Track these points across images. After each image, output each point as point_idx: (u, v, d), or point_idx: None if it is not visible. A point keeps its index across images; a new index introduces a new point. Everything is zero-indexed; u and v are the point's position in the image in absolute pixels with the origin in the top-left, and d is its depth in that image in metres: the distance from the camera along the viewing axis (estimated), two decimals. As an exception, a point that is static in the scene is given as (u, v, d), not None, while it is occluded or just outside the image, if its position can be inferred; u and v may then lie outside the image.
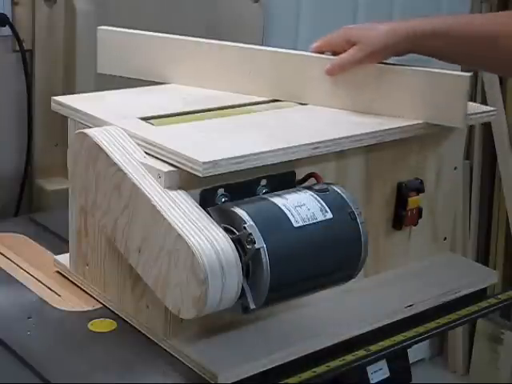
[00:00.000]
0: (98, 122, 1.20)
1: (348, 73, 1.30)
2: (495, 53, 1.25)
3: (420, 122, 1.28)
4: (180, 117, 1.27)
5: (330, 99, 1.33)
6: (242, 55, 1.39)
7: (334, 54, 1.32)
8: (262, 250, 1.02)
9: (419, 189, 1.35)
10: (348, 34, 1.31)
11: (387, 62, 1.30)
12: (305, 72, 1.34)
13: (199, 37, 1.43)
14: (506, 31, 1.23)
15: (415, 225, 1.37)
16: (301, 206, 1.09)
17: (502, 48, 1.23)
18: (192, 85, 1.42)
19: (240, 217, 1.04)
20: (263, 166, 1.12)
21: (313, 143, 1.16)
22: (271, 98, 1.37)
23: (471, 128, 2.58)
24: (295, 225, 1.07)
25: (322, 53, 1.34)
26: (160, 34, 1.44)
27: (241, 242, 1.03)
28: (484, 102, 2.51)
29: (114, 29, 1.45)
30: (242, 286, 1.03)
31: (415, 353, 2.30)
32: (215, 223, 1.04)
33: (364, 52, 1.28)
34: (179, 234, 1.01)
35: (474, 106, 1.43)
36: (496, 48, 1.24)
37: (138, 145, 1.14)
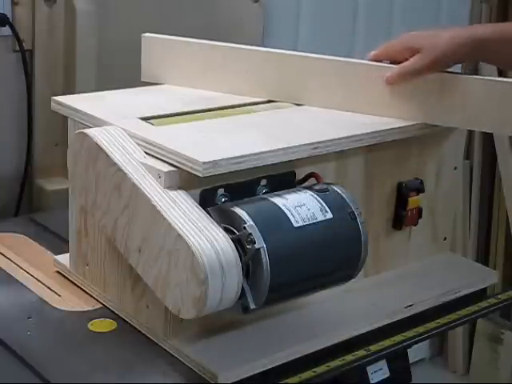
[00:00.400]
0: (98, 122, 1.20)
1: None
2: None
3: (419, 122, 1.29)
4: (180, 117, 1.27)
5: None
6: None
7: (393, 62, 1.29)
8: (262, 250, 1.02)
9: (419, 189, 1.35)
10: (409, 42, 1.28)
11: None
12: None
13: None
14: None
15: (415, 225, 1.37)
16: (301, 206, 1.09)
17: None
18: (189, 86, 1.41)
19: (240, 217, 1.04)
20: (263, 165, 1.12)
21: (313, 143, 1.16)
22: (268, 99, 1.37)
23: (471, 128, 2.58)
24: (295, 225, 1.07)
25: (380, 61, 1.30)
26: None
27: (241, 242, 1.03)
28: (484, 101, 2.51)
29: (159, 36, 1.44)
30: (242, 286, 1.03)
31: (415, 353, 2.30)
32: (215, 223, 1.04)
33: (425, 60, 1.25)
34: (179, 234, 1.01)
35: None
36: None
37: (138, 145, 1.14)
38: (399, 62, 1.28)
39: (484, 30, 1.26)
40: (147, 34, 1.45)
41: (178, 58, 1.43)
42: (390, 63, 1.30)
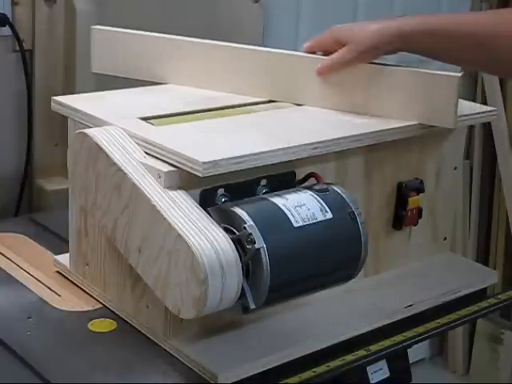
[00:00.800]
0: (98, 122, 1.20)
1: (341, 73, 1.30)
2: (490, 53, 1.23)
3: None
4: (180, 117, 1.27)
5: (324, 100, 1.33)
6: (239, 56, 1.38)
7: (325, 54, 1.32)
8: (262, 250, 1.02)
9: (419, 189, 1.35)
10: (337, 34, 1.30)
11: (378, 61, 1.30)
12: (303, 73, 1.34)
13: (199, 37, 1.43)
14: (506, 30, 1.21)
15: (415, 225, 1.37)
16: (301, 206, 1.09)
17: (502, 47, 1.21)
18: (188, 85, 1.41)
19: (240, 217, 1.04)
20: (263, 166, 1.12)
21: (313, 143, 1.16)
22: (267, 99, 1.37)
23: (471, 128, 2.58)
24: (295, 225, 1.07)
25: (314, 53, 1.34)
26: (156, 34, 1.44)
27: (241, 242, 1.03)
28: (484, 102, 2.51)
29: (109, 28, 1.45)
30: (242, 286, 1.03)
31: (415, 353, 2.30)
32: (215, 223, 1.04)
33: (353, 52, 1.27)
34: (179, 234, 1.01)
35: (475, 106, 1.43)
36: (494, 48, 1.22)
37: (138, 145, 1.14)
38: (330, 54, 1.30)
39: (411, 22, 1.27)
40: (97, 27, 1.45)
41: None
42: (323, 55, 1.32)
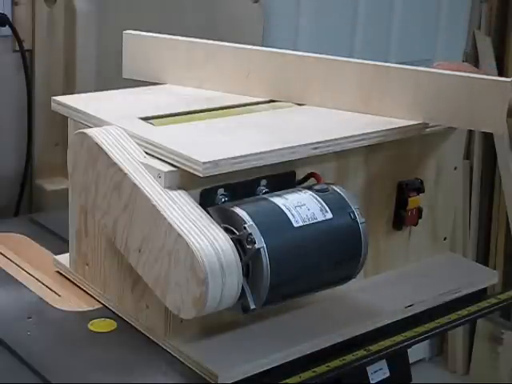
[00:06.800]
0: (98, 122, 1.20)
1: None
2: None
3: (420, 122, 1.28)
4: (180, 117, 1.27)
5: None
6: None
7: None
8: (262, 249, 1.02)
9: (419, 189, 1.35)
10: None
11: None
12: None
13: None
14: None
15: (415, 225, 1.37)
16: (301, 206, 1.09)
17: None
18: (189, 86, 1.42)
19: (240, 217, 1.04)
20: (263, 166, 1.12)
21: (313, 143, 1.16)
22: (268, 99, 1.37)
23: (471, 128, 2.58)
24: (295, 225, 1.07)
25: None
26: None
27: (241, 242, 1.03)
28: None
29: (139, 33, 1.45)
30: (242, 286, 1.03)
31: (415, 353, 2.30)
32: (215, 223, 1.04)
33: None
34: (179, 234, 1.02)
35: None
36: None
37: (138, 145, 1.14)
38: None
39: None
40: (128, 31, 1.45)
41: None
42: None
